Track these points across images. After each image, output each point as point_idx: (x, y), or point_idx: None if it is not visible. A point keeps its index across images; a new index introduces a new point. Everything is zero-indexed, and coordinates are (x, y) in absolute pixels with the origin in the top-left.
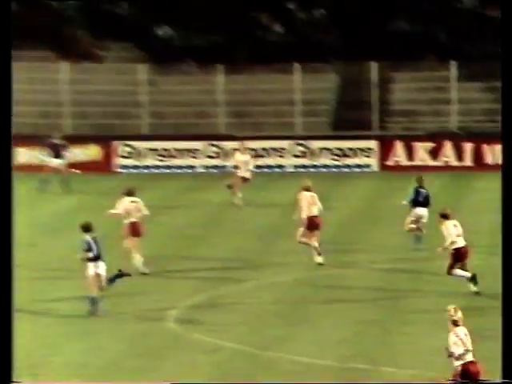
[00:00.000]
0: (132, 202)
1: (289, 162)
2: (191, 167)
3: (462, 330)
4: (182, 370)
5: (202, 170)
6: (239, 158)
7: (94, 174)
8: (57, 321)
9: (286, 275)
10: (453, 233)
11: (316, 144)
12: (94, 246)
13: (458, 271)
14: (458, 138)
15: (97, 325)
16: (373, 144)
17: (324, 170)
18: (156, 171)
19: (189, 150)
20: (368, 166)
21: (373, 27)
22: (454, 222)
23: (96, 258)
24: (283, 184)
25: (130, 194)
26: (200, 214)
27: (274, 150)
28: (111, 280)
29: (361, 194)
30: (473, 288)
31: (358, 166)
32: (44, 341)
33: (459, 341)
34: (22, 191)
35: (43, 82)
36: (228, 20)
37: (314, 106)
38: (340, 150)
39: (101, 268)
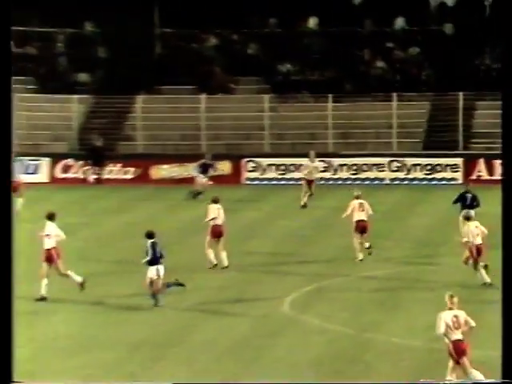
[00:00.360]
0: (218, 208)
1: (386, 175)
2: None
3: (450, 314)
4: (296, 348)
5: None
6: (309, 164)
7: (226, 186)
8: (195, 304)
9: (380, 269)
10: (473, 231)
11: (410, 161)
12: (151, 251)
13: (481, 272)
14: None
15: (228, 308)
16: (459, 161)
17: (416, 182)
18: (276, 183)
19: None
20: (454, 179)
21: (459, 63)
22: (476, 223)
23: (152, 262)
24: (382, 194)
25: (215, 201)
26: (312, 218)
27: (374, 165)
28: (169, 285)
29: (447, 202)
30: (486, 279)
31: (446, 179)
32: (186, 322)
33: (442, 322)
34: (164, 202)
35: (185, 111)
36: (337, 57)
37: (409, 129)
38: (430, 165)
39: (159, 271)
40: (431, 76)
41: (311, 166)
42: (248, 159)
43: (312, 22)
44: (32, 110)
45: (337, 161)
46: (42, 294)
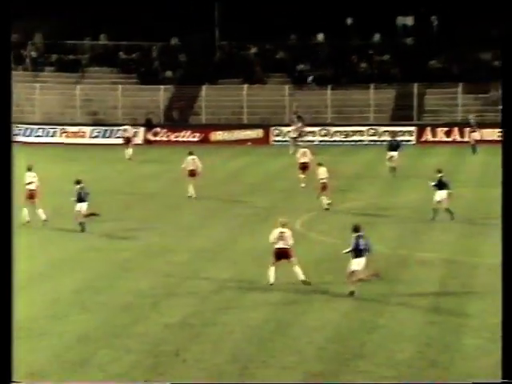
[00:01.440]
0: (192, 159)
1: (366, 138)
2: (310, 142)
3: (278, 230)
4: (304, 254)
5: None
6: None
7: (260, 146)
8: (235, 226)
9: (357, 201)
10: (321, 173)
11: (381, 129)
12: (77, 194)
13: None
14: (461, 126)
15: (258, 228)
16: (413, 129)
17: (385, 143)
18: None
19: (311, 132)
20: (410, 141)
21: (415, 64)
22: (324, 168)
23: (78, 201)
24: (362, 151)
25: (191, 153)
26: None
27: (358, 131)
28: (87, 215)
29: (406, 156)
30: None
31: (405, 141)
32: (231, 235)
33: (273, 234)
34: (219, 156)
35: (234, 96)
36: (335, 60)
37: (381, 107)
38: (394, 132)
39: (83, 207)
40: (397, 73)
41: (294, 128)
42: (274, 127)
43: (319, 37)
44: (133, 96)
45: (333, 129)
46: (27, 219)
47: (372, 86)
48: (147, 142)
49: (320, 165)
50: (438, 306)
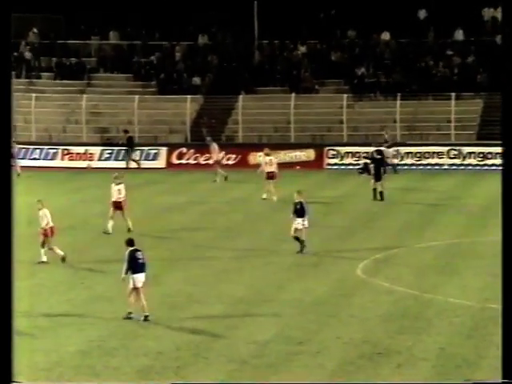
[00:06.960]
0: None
1: (445, 162)
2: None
3: None
4: (367, 306)
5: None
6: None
7: (310, 170)
8: (281, 269)
9: (438, 241)
10: (47, 216)
11: (465, 149)
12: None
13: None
14: None
15: (310, 271)
16: None
17: (470, 168)
18: (352, 168)
19: (365, 152)
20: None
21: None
22: (46, 211)
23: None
24: (441, 177)
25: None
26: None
27: (435, 153)
28: None
29: (496, 185)
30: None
31: (495, 165)
32: (275, 283)
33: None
34: (258, 184)
35: (278, 108)
36: (404, 63)
37: (465, 123)
38: (482, 153)
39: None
40: (484, 79)
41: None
42: (329, 148)
43: (384, 36)
44: (153, 108)
45: (403, 149)
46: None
47: (453, 95)
48: (170, 165)
49: (41, 205)
50: None
